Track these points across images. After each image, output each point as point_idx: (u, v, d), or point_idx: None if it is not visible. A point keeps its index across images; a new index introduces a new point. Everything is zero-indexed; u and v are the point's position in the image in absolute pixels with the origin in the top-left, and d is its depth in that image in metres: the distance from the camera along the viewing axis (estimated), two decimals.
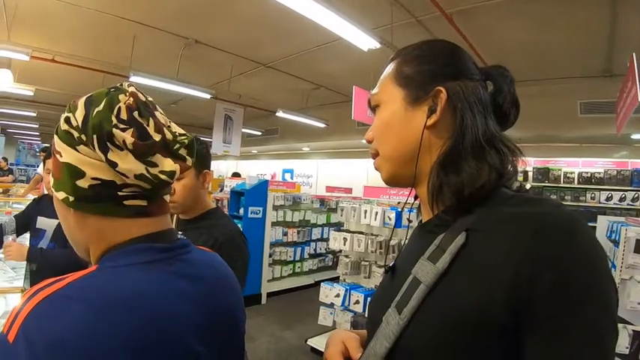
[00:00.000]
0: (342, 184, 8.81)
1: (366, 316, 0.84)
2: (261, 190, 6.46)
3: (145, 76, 6.20)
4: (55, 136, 0.68)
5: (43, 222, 2.68)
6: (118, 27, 5.77)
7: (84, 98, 0.68)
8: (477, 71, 0.75)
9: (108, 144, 0.63)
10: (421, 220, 0.80)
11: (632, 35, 4.70)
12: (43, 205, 2.71)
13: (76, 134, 0.65)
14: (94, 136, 0.63)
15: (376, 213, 3.97)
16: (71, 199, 0.66)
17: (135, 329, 0.59)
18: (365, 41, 4.54)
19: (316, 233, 7.69)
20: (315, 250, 7.74)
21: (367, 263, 4.10)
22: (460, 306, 0.57)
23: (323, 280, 4.52)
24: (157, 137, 0.67)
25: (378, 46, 4.55)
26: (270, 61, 7.24)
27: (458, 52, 0.77)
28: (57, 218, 2.70)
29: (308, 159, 13.98)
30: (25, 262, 2.52)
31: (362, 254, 4.15)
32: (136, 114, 0.67)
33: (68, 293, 0.57)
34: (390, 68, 0.80)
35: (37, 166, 9.91)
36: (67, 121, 0.66)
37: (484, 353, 0.55)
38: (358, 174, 10.83)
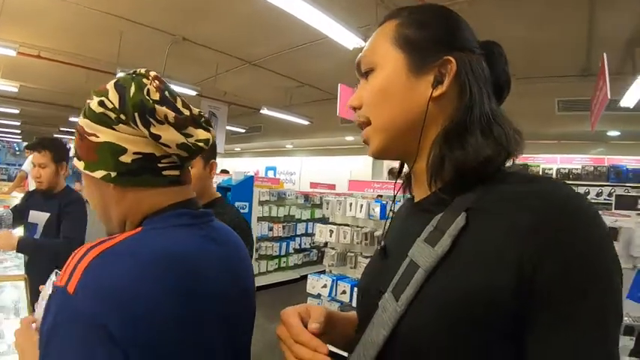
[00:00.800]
0: (325, 180, 8.86)
1: (357, 294, 0.83)
2: (247, 185, 6.49)
3: None
4: (85, 120, 0.73)
5: (34, 216, 2.68)
6: (105, 23, 5.74)
7: (112, 83, 0.74)
8: (477, 44, 0.71)
9: (150, 119, 0.69)
10: (413, 197, 0.76)
11: (610, 35, 4.86)
12: (34, 200, 2.72)
13: (113, 115, 0.71)
14: (136, 114, 0.69)
15: (361, 205, 4.04)
16: (113, 174, 0.72)
17: (178, 280, 0.68)
18: (350, 40, 4.61)
19: (301, 228, 7.80)
20: (300, 245, 7.85)
21: (353, 254, 4.18)
22: (462, 292, 0.54)
23: (309, 274, 4.59)
24: (187, 112, 0.75)
25: (363, 44, 4.59)
26: (256, 59, 7.27)
27: (461, 21, 0.71)
28: (47, 212, 2.64)
29: (291, 156, 13.97)
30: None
31: (348, 246, 4.23)
32: (166, 93, 0.74)
33: (118, 250, 0.65)
34: (386, 28, 0.73)
35: (17, 165, 9.69)
36: (102, 104, 0.71)
37: (486, 340, 0.53)
38: (342, 170, 10.83)
